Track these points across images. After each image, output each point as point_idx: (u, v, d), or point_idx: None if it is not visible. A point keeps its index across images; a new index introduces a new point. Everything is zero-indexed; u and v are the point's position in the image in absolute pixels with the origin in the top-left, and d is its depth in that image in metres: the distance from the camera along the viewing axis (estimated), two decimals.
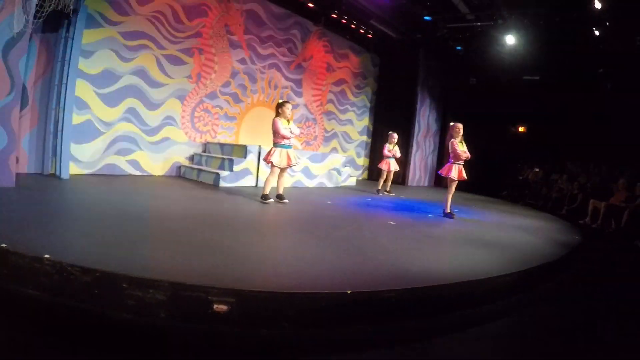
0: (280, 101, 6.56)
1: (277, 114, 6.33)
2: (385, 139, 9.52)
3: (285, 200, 6.40)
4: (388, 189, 9.50)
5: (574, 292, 4.25)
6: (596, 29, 9.22)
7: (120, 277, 2.53)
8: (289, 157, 6.29)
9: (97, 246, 3.24)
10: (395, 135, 9.40)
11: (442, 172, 6.91)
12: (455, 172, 6.70)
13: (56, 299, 2.58)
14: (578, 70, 11.75)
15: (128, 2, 7.67)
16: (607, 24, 8.88)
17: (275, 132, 6.27)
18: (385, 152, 9.21)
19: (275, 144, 6.30)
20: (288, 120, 6.37)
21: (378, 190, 9.38)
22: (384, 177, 9.32)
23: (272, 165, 6.24)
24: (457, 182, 6.83)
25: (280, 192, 6.50)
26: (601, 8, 8.12)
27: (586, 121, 12.18)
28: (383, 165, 9.23)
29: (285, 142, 6.30)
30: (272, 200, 6.29)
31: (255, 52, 10.12)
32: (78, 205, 5.14)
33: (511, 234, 5.90)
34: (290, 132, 6.32)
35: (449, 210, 6.88)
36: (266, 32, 10.29)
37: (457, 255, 4.23)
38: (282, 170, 6.41)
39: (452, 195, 6.92)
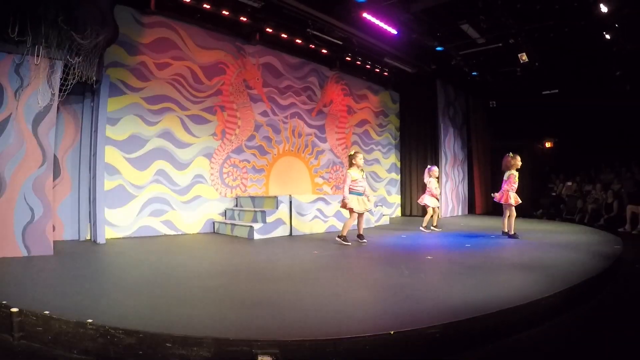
0: (351, 152, 7.05)
1: (350, 165, 6.92)
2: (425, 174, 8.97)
3: (365, 241, 6.89)
4: (435, 223, 8.81)
5: (620, 304, 3.96)
6: (606, 33, 9.08)
7: (163, 337, 2.52)
8: (365, 203, 6.89)
9: (138, 307, 3.22)
10: (436, 168, 8.96)
11: (501, 199, 7.39)
12: (513, 198, 7.29)
13: None
14: (595, 76, 11.53)
15: (148, 68, 7.92)
16: (616, 25, 8.75)
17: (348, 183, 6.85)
18: (434, 190, 8.70)
19: (351, 192, 6.79)
20: (362, 170, 6.97)
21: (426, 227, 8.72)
22: (431, 212, 8.75)
23: (352, 211, 6.78)
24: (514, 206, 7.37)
25: (361, 232, 7.04)
26: (607, 11, 8.02)
27: (611, 126, 11.89)
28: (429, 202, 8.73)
29: (359, 189, 6.83)
30: (350, 243, 6.72)
31: (275, 103, 10.25)
32: (117, 268, 5.07)
33: (551, 253, 5.70)
34: (359, 184, 6.85)
35: (513, 232, 7.32)
36: (284, 83, 10.47)
37: (498, 282, 4.07)
38: (361, 214, 6.96)
39: (515, 219, 7.40)
